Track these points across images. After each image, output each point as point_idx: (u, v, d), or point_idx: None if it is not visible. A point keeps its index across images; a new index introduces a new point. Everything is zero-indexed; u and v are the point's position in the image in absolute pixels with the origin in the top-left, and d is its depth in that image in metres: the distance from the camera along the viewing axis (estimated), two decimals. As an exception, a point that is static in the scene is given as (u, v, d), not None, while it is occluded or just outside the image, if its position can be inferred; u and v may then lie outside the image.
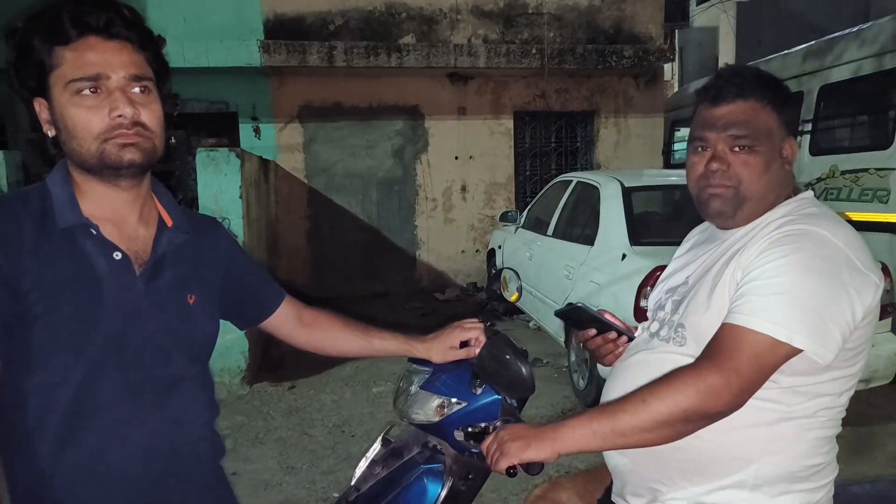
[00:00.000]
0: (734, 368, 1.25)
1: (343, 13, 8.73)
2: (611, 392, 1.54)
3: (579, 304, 1.70)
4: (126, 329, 1.22)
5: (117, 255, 1.23)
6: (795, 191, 1.48)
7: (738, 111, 1.40)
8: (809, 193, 1.47)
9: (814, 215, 1.38)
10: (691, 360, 1.35)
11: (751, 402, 1.30)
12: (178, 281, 1.32)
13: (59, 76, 1.17)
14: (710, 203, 1.45)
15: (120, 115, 1.18)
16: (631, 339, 1.64)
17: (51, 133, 1.22)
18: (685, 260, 1.61)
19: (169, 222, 1.35)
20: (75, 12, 1.17)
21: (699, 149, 1.46)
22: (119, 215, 1.28)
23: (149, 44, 1.24)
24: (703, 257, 1.51)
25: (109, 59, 1.18)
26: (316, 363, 5.66)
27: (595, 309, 1.67)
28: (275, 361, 6.00)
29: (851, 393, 1.40)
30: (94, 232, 1.22)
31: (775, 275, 1.29)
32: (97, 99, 1.17)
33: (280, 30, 8.50)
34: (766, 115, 1.40)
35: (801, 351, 1.25)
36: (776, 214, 1.41)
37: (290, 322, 1.64)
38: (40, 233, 1.18)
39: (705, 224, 1.67)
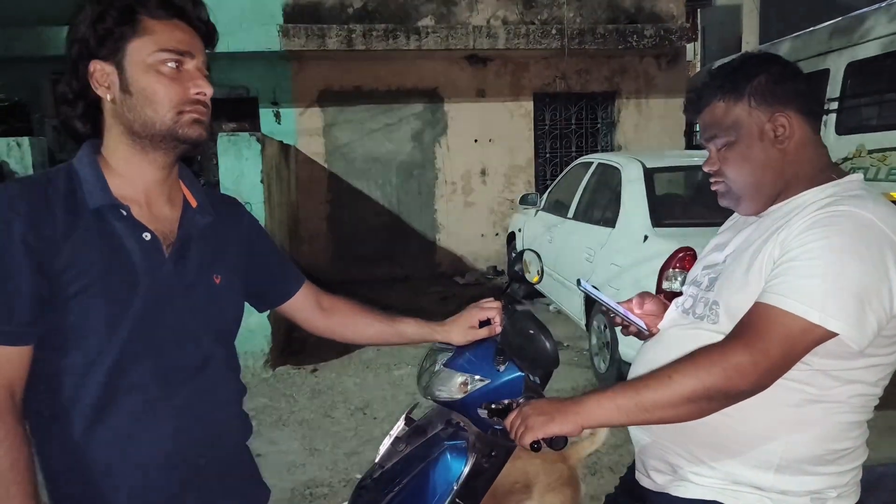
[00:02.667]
0: (763, 348, 1.23)
1: (361, -4, 8.69)
2: (640, 367, 1.54)
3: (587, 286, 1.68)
4: (157, 309, 1.23)
5: (147, 236, 1.24)
6: (841, 173, 1.44)
7: (708, 115, 1.47)
8: (858, 176, 1.43)
9: (859, 197, 1.34)
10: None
11: (780, 381, 1.28)
12: (205, 261, 1.33)
13: (143, 44, 1.21)
14: (718, 197, 1.53)
15: (201, 93, 1.25)
16: (644, 332, 1.63)
17: (108, 97, 1.23)
18: (725, 237, 1.59)
19: (193, 203, 1.36)
20: None
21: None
22: (148, 196, 1.29)
23: (211, 42, 1.31)
24: (743, 234, 1.49)
25: (193, 42, 1.26)
26: (337, 347, 5.71)
27: (608, 300, 1.65)
28: (297, 345, 6.06)
29: (887, 381, 1.37)
30: (125, 213, 1.23)
31: (814, 256, 1.26)
32: (177, 73, 1.23)
33: (299, 14, 8.50)
34: (729, 108, 1.43)
35: (834, 335, 1.23)
36: (821, 195, 1.37)
37: (309, 307, 1.64)
38: (70, 213, 1.18)
39: None
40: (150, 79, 1.21)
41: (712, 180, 1.50)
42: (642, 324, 1.62)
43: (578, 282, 1.73)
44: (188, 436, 1.28)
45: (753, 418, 1.34)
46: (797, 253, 1.28)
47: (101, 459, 1.21)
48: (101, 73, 1.22)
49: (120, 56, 1.21)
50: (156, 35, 1.21)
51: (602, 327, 5.05)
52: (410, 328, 1.69)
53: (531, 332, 1.49)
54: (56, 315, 1.16)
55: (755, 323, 1.27)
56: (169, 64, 1.22)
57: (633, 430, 1.56)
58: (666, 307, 1.68)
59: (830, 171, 1.43)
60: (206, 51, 1.30)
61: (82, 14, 1.22)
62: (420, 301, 7.91)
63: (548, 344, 1.46)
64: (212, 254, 1.35)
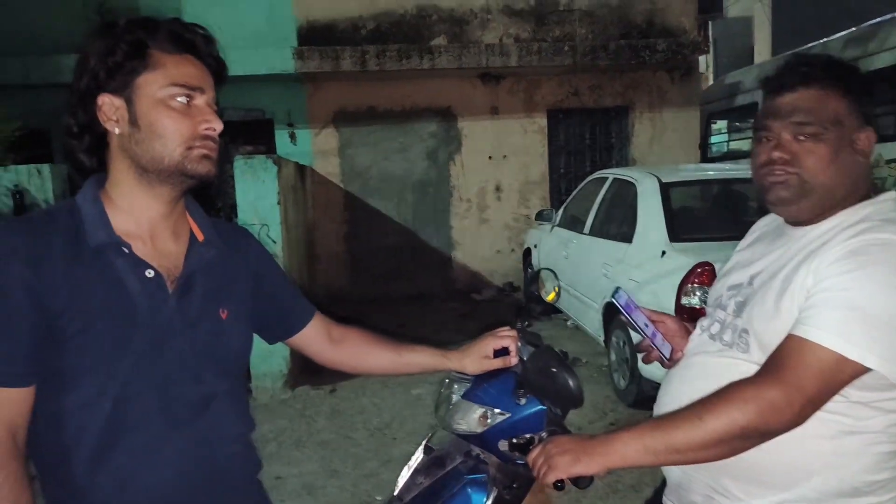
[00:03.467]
0: (797, 385, 1.19)
1: (374, 17, 8.78)
2: (667, 395, 1.50)
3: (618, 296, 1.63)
4: (158, 347, 1.22)
5: (149, 273, 1.23)
6: (875, 190, 1.39)
7: (802, 99, 1.33)
8: (892, 194, 1.37)
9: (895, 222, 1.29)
10: (754, 367, 1.30)
11: (817, 414, 1.24)
12: (210, 295, 1.31)
13: (153, 78, 1.20)
14: (772, 190, 1.37)
15: (210, 129, 1.24)
16: (666, 359, 1.59)
17: (116, 130, 1.22)
18: (749, 255, 1.53)
19: (200, 237, 1.34)
20: (186, 29, 1.25)
21: (763, 139, 1.39)
22: (152, 230, 1.28)
23: (221, 78, 1.30)
24: (771, 256, 1.43)
25: (203, 77, 1.25)
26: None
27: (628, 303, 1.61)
28: (315, 365, 6.04)
29: None
30: (127, 250, 1.22)
31: (849, 287, 1.21)
32: (187, 109, 1.22)
33: (313, 36, 8.59)
34: (833, 103, 1.32)
35: (871, 370, 1.19)
36: (855, 217, 1.32)
37: (319, 339, 1.61)
38: (71, 251, 1.18)
39: (771, 217, 1.58)
40: (160, 113, 1.20)
41: (779, 169, 1.34)
42: (667, 350, 1.58)
43: (616, 290, 1.66)
44: (192, 473, 1.26)
45: (790, 452, 1.30)
46: (832, 283, 1.23)
47: (104, 499, 1.19)
48: (109, 107, 1.21)
49: (129, 90, 1.20)
50: (166, 69, 1.21)
51: (621, 343, 5.02)
52: (423, 358, 1.64)
53: (553, 370, 1.45)
54: (56, 355, 1.15)
55: (789, 357, 1.22)
56: (179, 99, 1.21)
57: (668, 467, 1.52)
58: (684, 327, 1.64)
59: (868, 189, 1.38)
60: (218, 86, 1.29)
61: (92, 46, 1.22)
62: (437, 318, 7.90)
63: (571, 382, 1.42)
64: (218, 288, 1.33)
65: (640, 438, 1.25)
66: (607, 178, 6.26)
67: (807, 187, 1.33)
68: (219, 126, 1.24)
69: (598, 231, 5.93)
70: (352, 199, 9.21)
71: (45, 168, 5.32)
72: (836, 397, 1.24)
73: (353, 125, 9.06)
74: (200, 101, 1.24)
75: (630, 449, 1.25)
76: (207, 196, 1.41)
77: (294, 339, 1.60)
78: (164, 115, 1.20)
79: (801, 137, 1.32)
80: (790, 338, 1.24)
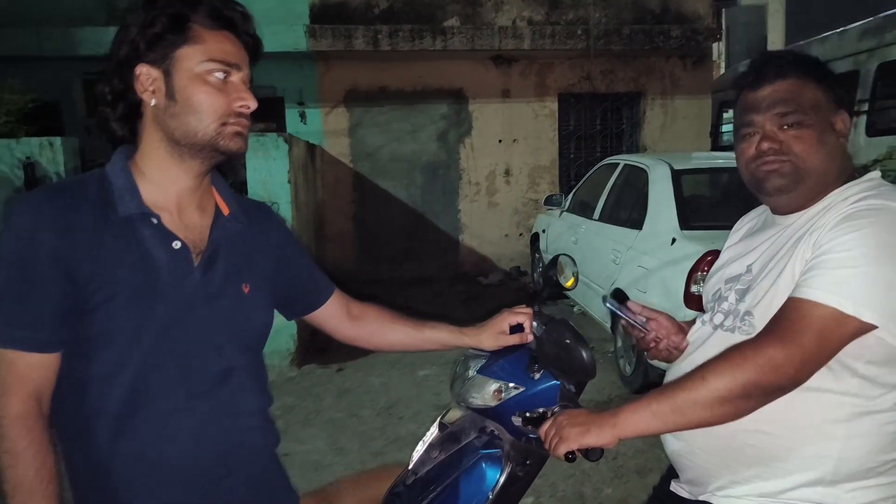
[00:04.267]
0: (797, 342, 1.21)
1: (387, -3, 8.73)
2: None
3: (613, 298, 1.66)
4: (181, 319, 1.23)
5: (176, 245, 1.24)
6: (858, 172, 1.43)
7: (780, 89, 1.38)
8: (877, 174, 1.41)
9: (888, 191, 1.34)
10: None
11: (830, 396, 1.27)
12: (234, 270, 1.32)
13: (192, 52, 1.21)
14: (768, 180, 1.40)
15: (245, 106, 1.25)
16: (643, 334, 1.62)
17: (152, 101, 1.22)
18: (741, 248, 1.56)
19: (225, 210, 1.36)
20: (226, 6, 1.26)
21: (747, 135, 1.43)
22: (179, 203, 1.29)
23: (256, 56, 1.32)
24: (765, 244, 1.46)
25: (240, 54, 1.27)
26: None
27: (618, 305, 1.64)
28: (322, 343, 6.10)
29: None
30: (155, 221, 1.23)
31: (846, 248, 1.24)
32: (223, 85, 1.23)
33: (326, 15, 8.55)
34: (809, 90, 1.38)
35: (870, 327, 1.21)
36: (846, 194, 1.36)
37: (338, 315, 1.63)
38: (100, 221, 1.19)
39: (756, 211, 1.63)
40: (197, 87, 1.21)
41: (770, 158, 1.39)
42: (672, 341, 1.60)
43: (605, 299, 1.71)
44: (211, 445, 1.27)
45: (803, 437, 1.32)
46: (830, 246, 1.26)
47: (126, 468, 1.21)
48: (146, 77, 1.21)
49: (168, 62, 1.21)
50: (206, 44, 1.22)
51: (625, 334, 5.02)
52: (441, 334, 1.66)
53: (567, 341, 1.48)
54: (82, 323, 1.17)
55: (788, 317, 1.25)
56: (216, 74, 1.22)
57: (666, 439, 1.54)
58: (678, 324, 1.66)
59: (851, 171, 1.43)
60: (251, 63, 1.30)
61: (133, 17, 1.23)
62: (443, 301, 7.93)
63: (585, 354, 1.45)
64: (241, 262, 1.34)
65: (647, 405, 1.29)
66: (618, 163, 6.24)
67: (801, 173, 1.37)
68: (253, 104, 1.26)
69: (608, 217, 5.92)
70: (361, 180, 9.21)
71: (57, 141, 5.32)
72: (846, 374, 1.27)
73: (365, 105, 9.04)
74: (236, 77, 1.25)
75: (638, 416, 1.29)
76: (219, 171, 1.41)
77: (313, 315, 1.61)
78: (201, 89, 1.21)
79: (786, 126, 1.37)
80: (789, 300, 1.28)
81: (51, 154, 5.32)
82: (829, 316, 1.22)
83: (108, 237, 1.18)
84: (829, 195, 1.38)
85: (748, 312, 1.40)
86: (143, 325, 1.19)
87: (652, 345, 1.63)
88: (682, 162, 5.39)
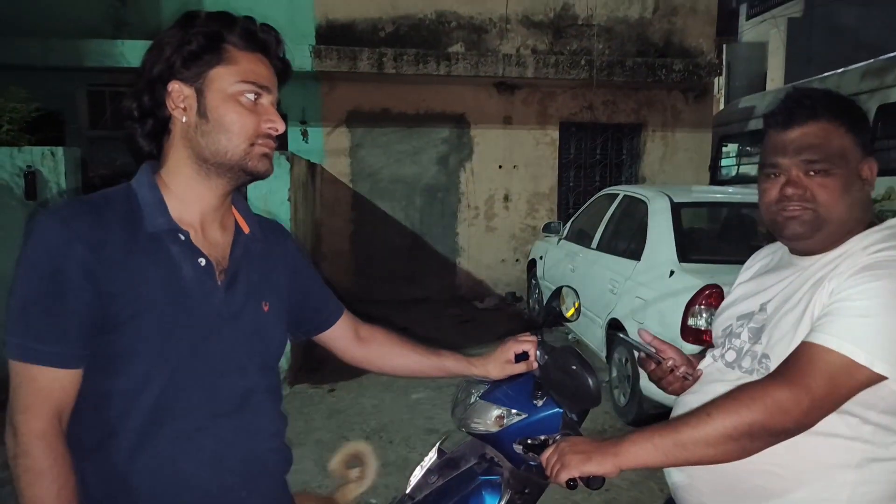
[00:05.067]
0: (806, 386, 1.20)
1: (393, 20, 8.80)
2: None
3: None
4: (207, 338, 1.23)
5: (202, 262, 1.24)
6: (878, 217, 1.42)
7: (810, 134, 1.35)
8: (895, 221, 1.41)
9: None
10: None
11: (841, 441, 1.26)
12: (254, 288, 1.32)
13: (226, 72, 1.22)
14: (788, 225, 1.39)
15: (273, 128, 1.26)
16: (658, 362, 1.60)
17: (183, 118, 1.23)
18: (755, 286, 1.55)
19: (246, 229, 1.36)
20: (260, 29, 1.29)
21: (772, 175, 1.42)
22: (203, 220, 1.29)
23: (285, 80, 1.33)
24: (781, 284, 1.45)
25: (271, 77, 1.28)
26: (356, 367, 5.69)
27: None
28: (315, 363, 6.06)
29: None
30: (183, 237, 1.23)
31: (864, 297, 1.23)
32: (254, 106, 1.24)
33: (331, 35, 8.61)
34: (839, 137, 1.35)
35: (881, 378, 1.20)
36: (866, 241, 1.35)
37: (347, 336, 1.63)
38: (129, 236, 1.18)
39: (770, 248, 1.62)
40: (229, 107, 1.22)
41: (794, 205, 1.37)
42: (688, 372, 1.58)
43: (622, 335, 1.70)
44: (231, 465, 1.26)
45: (811, 480, 1.30)
46: (847, 294, 1.26)
47: (143, 487, 1.20)
48: (178, 95, 1.22)
49: (201, 81, 1.22)
50: (239, 66, 1.23)
51: (623, 360, 5.01)
52: (448, 362, 1.66)
53: (574, 367, 1.48)
54: (108, 339, 1.15)
55: (799, 361, 1.24)
56: (248, 95, 1.23)
57: (669, 471, 1.52)
58: (685, 357, 1.63)
59: (872, 216, 1.41)
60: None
61: (168, 34, 1.23)
62: (439, 323, 7.90)
63: (591, 381, 1.45)
64: (261, 281, 1.34)
65: (650, 438, 1.27)
66: (618, 194, 6.26)
67: (821, 221, 1.35)
68: (282, 127, 1.27)
69: (607, 246, 5.92)
70: (360, 200, 9.22)
71: (59, 150, 5.31)
72: (857, 423, 1.26)
73: (366, 126, 9.08)
74: (266, 100, 1.26)
75: (640, 448, 1.27)
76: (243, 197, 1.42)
77: (323, 337, 1.61)
78: (233, 109, 1.22)
79: (812, 173, 1.35)
80: (802, 344, 1.27)
81: (52, 163, 5.31)
82: (840, 363, 1.21)
83: (136, 253, 1.18)
84: (849, 241, 1.37)
85: (765, 355, 1.38)
86: (171, 341, 1.18)
87: (670, 374, 1.59)
88: (681, 195, 5.41)
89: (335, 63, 8.30)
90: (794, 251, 1.47)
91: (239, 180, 1.28)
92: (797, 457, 1.28)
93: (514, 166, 9.44)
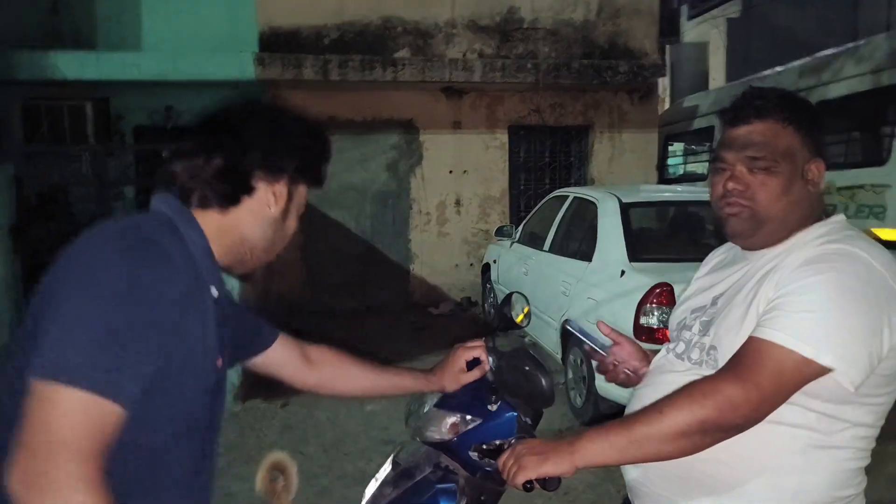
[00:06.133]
0: (755, 382, 1.22)
1: (338, 26, 8.72)
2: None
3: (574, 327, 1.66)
4: (213, 399, 1.24)
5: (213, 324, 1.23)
6: (826, 213, 1.44)
7: (756, 132, 1.37)
8: (842, 217, 1.44)
9: (851, 237, 1.36)
10: None
11: (787, 429, 1.29)
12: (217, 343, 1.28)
13: (304, 193, 1.33)
14: (728, 222, 1.42)
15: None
16: (603, 356, 1.64)
17: (272, 209, 1.25)
18: (709, 280, 1.57)
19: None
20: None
21: (719, 169, 1.44)
22: None
23: None
24: (733, 278, 1.47)
25: None
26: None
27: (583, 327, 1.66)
28: (267, 378, 5.92)
29: (882, 422, 1.37)
30: (216, 295, 1.23)
31: (807, 292, 1.26)
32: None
33: (275, 43, 8.48)
34: (786, 136, 1.36)
35: (827, 370, 1.22)
36: (811, 235, 1.38)
37: (292, 361, 1.59)
38: (192, 290, 1.14)
39: (728, 245, 1.64)
40: (294, 221, 1.31)
41: (732, 200, 1.39)
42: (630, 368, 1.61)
43: (567, 322, 1.72)
44: None
45: (760, 468, 1.32)
46: (791, 289, 1.28)
47: None
48: (281, 189, 1.25)
49: (294, 188, 1.28)
50: (307, 191, 1.33)
51: (578, 361, 5.02)
52: (404, 380, 1.65)
53: (527, 368, 1.47)
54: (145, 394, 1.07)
55: (748, 357, 1.26)
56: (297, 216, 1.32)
57: (625, 467, 1.52)
58: (641, 350, 1.67)
59: (821, 213, 1.43)
60: None
61: (296, 127, 1.30)
62: (394, 332, 7.83)
63: (544, 381, 1.45)
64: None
65: (606, 436, 1.28)
66: (568, 196, 6.29)
67: (759, 220, 1.38)
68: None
69: (558, 249, 5.95)
70: (309, 209, 8.83)
71: (-9, 166, 5.12)
72: (802, 411, 1.28)
73: (314, 134, 8.95)
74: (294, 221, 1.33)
75: (596, 446, 1.28)
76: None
77: (263, 364, 1.57)
78: (294, 224, 1.32)
79: (755, 170, 1.36)
80: (749, 339, 1.29)
81: (-17, 180, 5.11)
82: (788, 359, 1.22)
83: (191, 310, 1.13)
84: (795, 235, 1.39)
85: (713, 347, 1.40)
86: (186, 403, 1.15)
87: (611, 368, 1.65)
88: (630, 195, 5.46)
89: (279, 71, 8.18)
90: (744, 248, 1.49)
91: (232, 273, 1.29)
92: (745, 446, 1.30)
93: (465, 171, 9.44)
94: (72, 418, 0.95)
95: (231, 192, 1.22)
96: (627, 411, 1.56)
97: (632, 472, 1.51)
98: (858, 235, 1.38)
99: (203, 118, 1.27)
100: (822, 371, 1.22)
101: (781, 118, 1.37)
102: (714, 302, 1.48)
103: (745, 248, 1.47)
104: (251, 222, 1.24)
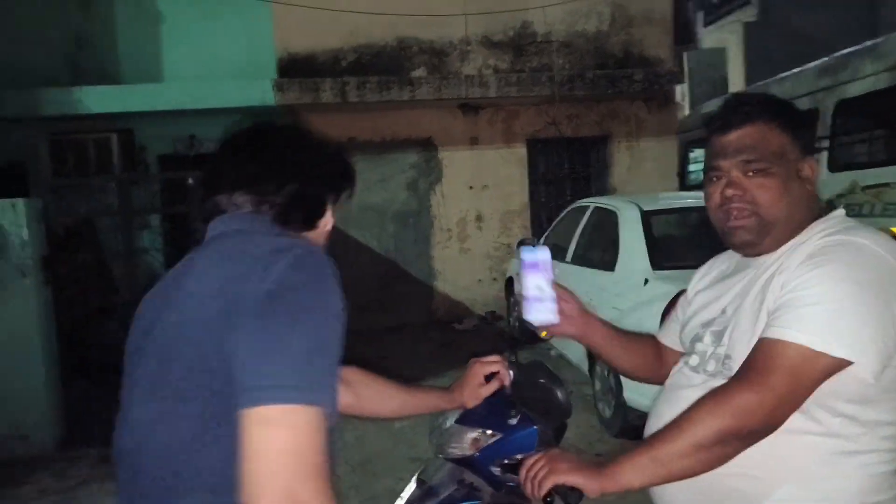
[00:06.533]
0: (768, 384, 1.21)
1: (355, 49, 8.82)
2: (655, 429, 1.49)
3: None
4: None
5: None
6: (824, 210, 1.45)
7: (746, 135, 1.38)
8: (841, 211, 1.44)
9: (851, 228, 1.36)
10: None
11: (811, 438, 1.27)
12: None
13: (331, 216, 1.36)
14: (735, 235, 1.41)
15: None
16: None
17: (328, 228, 1.35)
18: (714, 292, 1.55)
19: None
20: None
21: (714, 178, 1.44)
22: None
23: None
24: (739, 286, 1.46)
25: None
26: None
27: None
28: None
29: None
30: None
31: (812, 285, 1.25)
32: None
33: (293, 68, 8.60)
34: (776, 137, 1.38)
35: (842, 362, 1.20)
36: (812, 232, 1.38)
37: None
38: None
39: (726, 255, 1.63)
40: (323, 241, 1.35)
41: (735, 206, 1.39)
42: (554, 315, 1.56)
43: (520, 242, 1.69)
44: None
45: (786, 479, 1.30)
46: (795, 284, 1.27)
47: None
48: (332, 212, 1.33)
49: (331, 211, 1.34)
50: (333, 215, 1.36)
51: (606, 372, 4.98)
52: (431, 398, 1.68)
53: (542, 381, 1.47)
54: None
55: (758, 359, 1.25)
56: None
57: (656, 493, 1.50)
58: (587, 316, 1.64)
59: (819, 211, 1.44)
60: None
61: (332, 150, 1.36)
62: (417, 349, 7.84)
63: (560, 394, 1.45)
64: None
65: (630, 460, 1.27)
66: (588, 206, 6.28)
67: (766, 225, 1.38)
68: None
69: (581, 259, 5.93)
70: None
71: (20, 202, 5.22)
72: (825, 415, 1.26)
73: (334, 156, 9.04)
74: None
75: (623, 468, 1.27)
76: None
77: None
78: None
79: (751, 173, 1.37)
80: (759, 341, 1.28)
81: (13, 216, 5.22)
82: (798, 354, 1.21)
83: None
84: (797, 236, 1.39)
85: (728, 356, 1.39)
86: None
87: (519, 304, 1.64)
88: (651, 203, 5.44)
89: (297, 95, 8.28)
90: (746, 255, 1.49)
91: None
92: (770, 457, 1.28)
93: (485, 186, 9.46)
94: (310, 436, 0.95)
95: (312, 217, 1.29)
96: (647, 430, 1.55)
97: (657, 490, 1.48)
98: (859, 226, 1.37)
99: (228, 145, 1.29)
100: (838, 364, 1.20)
101: (768, 120, 1.39)
102: (723, 311, 1.46)
103: (751, 255, 1.46)
104: (318, 243, 1.31)
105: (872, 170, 6.07)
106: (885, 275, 1.25)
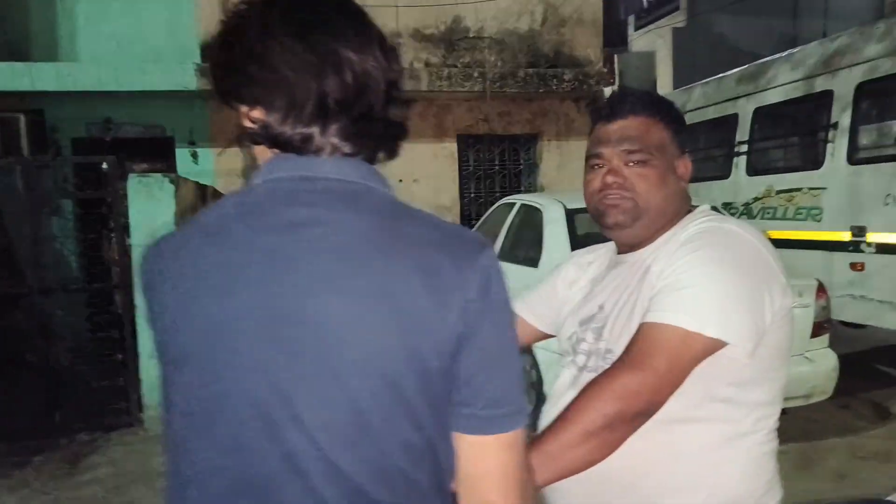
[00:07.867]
0: (649, 366, 1.22)
1: (283, 36, 8.62)
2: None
3: None
4: None
5: None
6: (694, 209, 1.51)
7: (630, 126, 1.42)
8: (707, 206, 1.51)
9: (720, 217, 1.43)
10: None
11: (697, 426, 1.29)
12: None
13: None
14: (608, 213, 1.43)
15: None
16: None
17: None
18: (591, 289, 1.56)
19: None
20: None
21: (595, 166, 1.46)
22: None
23: None
24: (614, 282, 1.47)
25: None
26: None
27: None
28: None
29: (782, 403, 1.40)
30: None
31: (685, 269, 1.29)
32: None
33: (217, 53, 8.34)
34: (658, 131, 1.42)
35: (718, 343, 1.23)
36: (683, 224, 1.43)
37: None
38: None
39: (597, 252, 1.65)
40: None
41: (613, 193, 1.41)
42: None
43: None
44: None
45: (677, 469, 1.31)
46: (670, 271, 1.31)
47: None
48: None
49: None
50: None
51: (528, 367, 5.01)
52: None
53: None
54: None
55: (637, 343, 1.26)
56: None
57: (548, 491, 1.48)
58: None
59: (688, 209, 1.49)
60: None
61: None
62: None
63: None
64: None
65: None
66: (515, 203, 6.30)
67: (640, 210, 1.40)
68: None
69: (507, 256, 5.93)
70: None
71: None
72: (707, 401, 1.29)
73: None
74: None
75: None
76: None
77: None
78: None
79: (631, 164, 1.40)
80: (639, 327, 1.29)
81: None
82: (675, 336, 1.23)
83: None
84: (668, 231, 1.43)
85: (608, 350, 1.39)
86: None
87: None
88: (576, 201, 5.46)
89: (222, 81, 8.03)
90: (620, 248, 1.52)
91: None
92: (659, 448, 1.29)
93: (415, 180, 9.39)
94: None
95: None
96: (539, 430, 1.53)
97: (548, 490, 1.45)
98: (727, 216, 1.44)
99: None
100: (713, 345, 1.23)
101: (652, 114, 1.43)
102: (601, 308, 1.47)
103: (623, 242, 1.48)
104: None
105: (787, 174, 6.29)
106: (754, 258, 1.31)
